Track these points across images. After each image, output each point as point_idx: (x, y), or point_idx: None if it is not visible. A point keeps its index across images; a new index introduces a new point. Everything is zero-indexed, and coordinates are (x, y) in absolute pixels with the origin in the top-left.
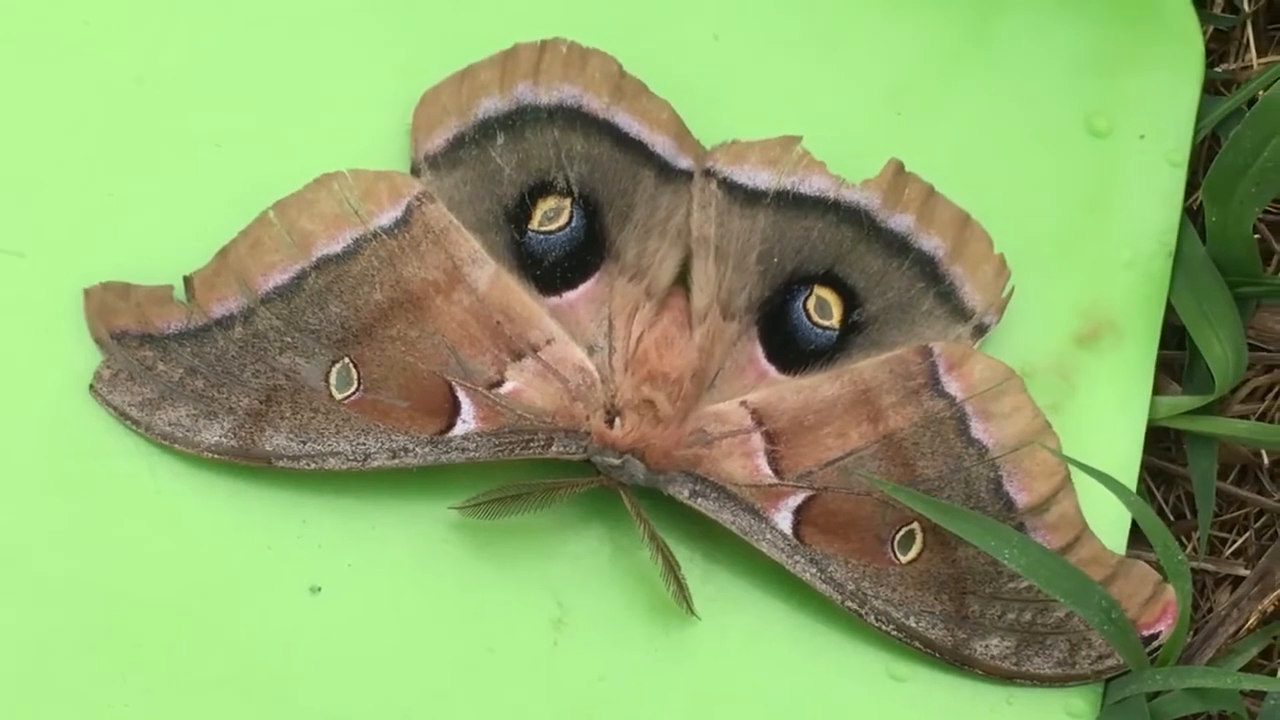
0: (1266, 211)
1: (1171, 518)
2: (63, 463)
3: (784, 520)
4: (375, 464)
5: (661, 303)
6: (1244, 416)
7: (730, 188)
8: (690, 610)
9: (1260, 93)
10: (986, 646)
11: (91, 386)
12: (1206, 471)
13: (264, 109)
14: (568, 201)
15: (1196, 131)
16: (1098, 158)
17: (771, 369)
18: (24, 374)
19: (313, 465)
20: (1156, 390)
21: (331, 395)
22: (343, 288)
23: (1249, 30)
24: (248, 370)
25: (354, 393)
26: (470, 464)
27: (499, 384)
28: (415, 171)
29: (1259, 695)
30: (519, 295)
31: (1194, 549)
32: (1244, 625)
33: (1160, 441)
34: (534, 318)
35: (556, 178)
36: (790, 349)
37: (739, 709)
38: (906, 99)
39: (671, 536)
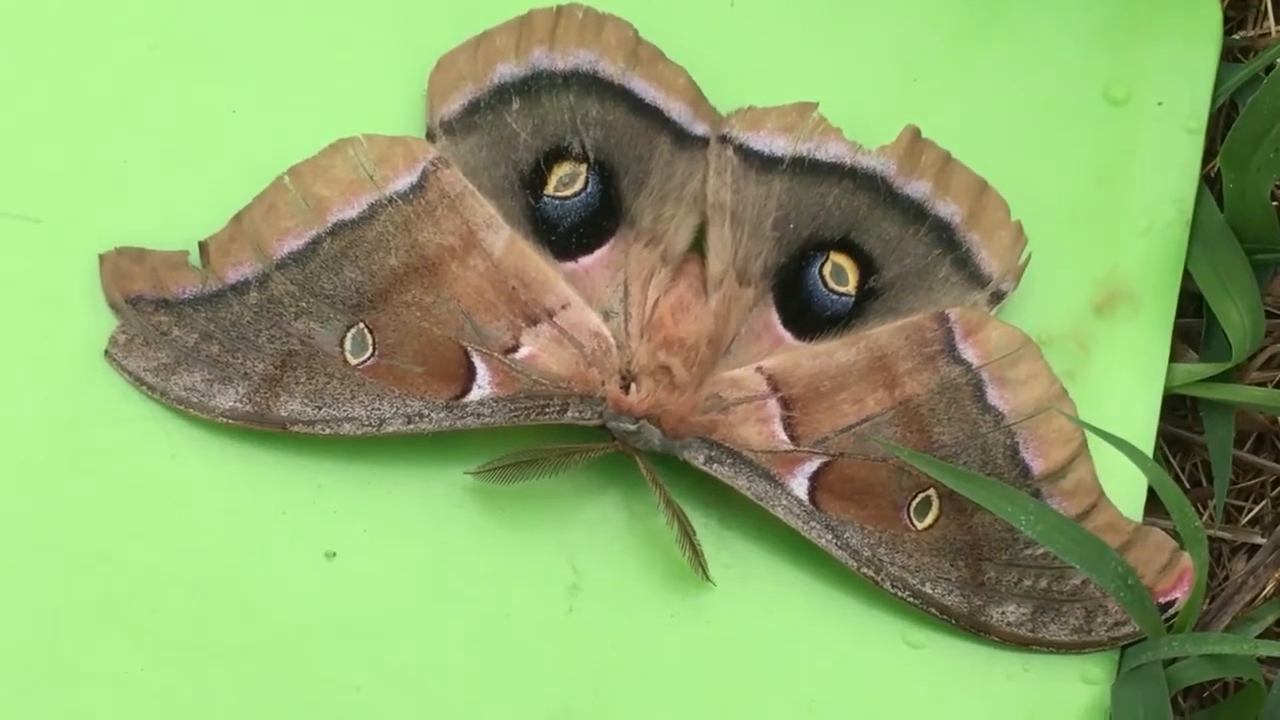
0: None
1: (1188, 485)
2: (78, 428)
3: (800, 486)
4: (390, 429)
5: (677, 269)
6: (1261, 384)
7: (746, 154)
8: (705, 576)
9: (1278, 60)
10: (1003, 613)
11: (106, 352)
12: (1223, 439)
13: (279, 75)
14: (583, 167)
15: (1214, 99)
16: (1115, 125)
17: (788, 335)
18: (39, 339)
19: (328, 431)
20: (1173, 358)
21: (346, 361)
22: (358, 253)
23: None
24: (263, 335)
25: (369, 358)
26: (486, 429)
27: (514, 349)
28: (431, 137)
29: (1275, 662)
30: (534, 261)
31: (1210, 517)
32: (1260, 593)
33: (1177, 409)
34: (549, 283)
35: (572, 143)
36: (806, 315)
37: (754, 675)
38: (923, 66)
39: (687, 503)
